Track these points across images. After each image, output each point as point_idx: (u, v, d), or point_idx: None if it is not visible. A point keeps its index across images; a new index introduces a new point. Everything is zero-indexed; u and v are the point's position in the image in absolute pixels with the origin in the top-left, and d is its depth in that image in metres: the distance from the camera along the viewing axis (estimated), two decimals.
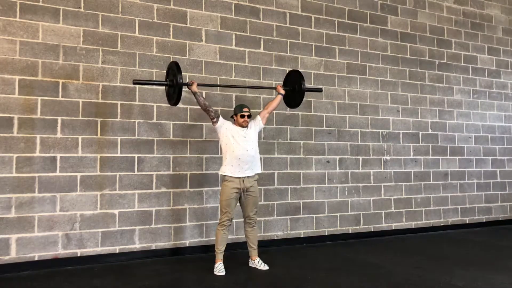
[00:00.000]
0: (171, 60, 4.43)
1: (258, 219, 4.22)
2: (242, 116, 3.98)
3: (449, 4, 6.63)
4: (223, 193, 3.91)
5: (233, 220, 4.16)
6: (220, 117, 3.98)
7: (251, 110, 4.08)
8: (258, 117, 4.15)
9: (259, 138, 4.87)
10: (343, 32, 5.74)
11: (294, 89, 4.37)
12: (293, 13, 5.44)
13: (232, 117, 4.14)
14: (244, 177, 3.89)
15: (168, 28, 4.73)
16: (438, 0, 6.54)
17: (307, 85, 4.65)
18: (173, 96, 3.93)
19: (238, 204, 4.04)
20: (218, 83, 4.91)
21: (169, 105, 4.61)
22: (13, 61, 4.07)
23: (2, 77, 4.01)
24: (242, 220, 4.18)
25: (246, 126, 4.01)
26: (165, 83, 4.03)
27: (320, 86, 5.25)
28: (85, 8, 4.37)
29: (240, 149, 3.87)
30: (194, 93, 3.92)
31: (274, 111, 5.19)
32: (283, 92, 4.29)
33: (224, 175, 3.92)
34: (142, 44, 4.60)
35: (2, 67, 4.02)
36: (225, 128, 3.95)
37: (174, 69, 3.87)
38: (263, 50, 5.22)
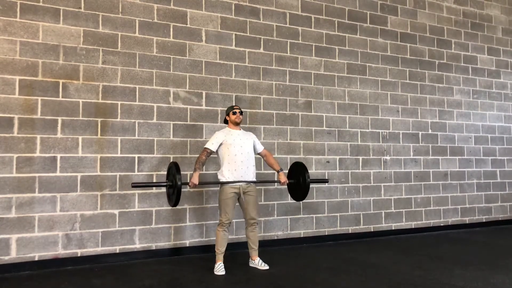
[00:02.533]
0: (173, 62, 4.43)
1: (259, 219, 4.20)
2: (234, 113, 4.02)
3: (449, 4, 6.64)
4: (221, 194, 3.93)
5: (233, 220, 4.16)
6: (212, 146, 3.94)
7: (251, 110, 4.08)
8: (262, 146, 4.16)
9: (259, 138, 4.87)
10: (343, 32, 5.75)
11: (299, 181, 4.26)
12: (293, 13, 5.45)
13: (225, 121, 4.15)
14: (241, 181, 3.91)
15: (168, 28, 4.74)
16: (438, 0, 6.55)
17: (312, 178, 4.52)
18: (173, 197, 3.83)
19: (237, 204, 4.04)
20: (218, 83, 4.92)
21: (169, 105, 4.61)
22: (13, 61, 4.07)
23: (3, 77, 4.02)
24: (242, 220, 4.18)
25: (240, 122, 4.05)
26: (165, 184, 3.95)
27: (326, 178, 5.13)
28: (85, 8, 4.38)
29: (236, 153, 3.90)
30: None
31: (274, 112, 5.21)
32: (285, 181, 4.15)
33: (223, 181, 3.92)
34: (142, 44, 4.60)
35: (3, 67, 4.02)
36: (221, 141, 3.94)
37: (173, 170, 3.80)
38: (263, 50, 5.22)
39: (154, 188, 4.52)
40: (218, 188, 4.12)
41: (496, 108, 6.88)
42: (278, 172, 4.14)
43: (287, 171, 4.49)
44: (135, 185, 3.90)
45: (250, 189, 3.97)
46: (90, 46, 4.37)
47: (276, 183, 5.06)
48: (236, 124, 4.04)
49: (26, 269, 3.94)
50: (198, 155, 4.73)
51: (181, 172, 4.64)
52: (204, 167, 4.78)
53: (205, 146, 3.98)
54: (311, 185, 5.32)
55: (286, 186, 4.42)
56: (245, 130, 4.19)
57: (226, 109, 4.68)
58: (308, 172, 4.21)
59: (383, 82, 5.97)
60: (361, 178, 5.68)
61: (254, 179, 4.03)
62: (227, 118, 4.10)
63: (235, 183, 3.89)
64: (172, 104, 4.69)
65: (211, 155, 4.11)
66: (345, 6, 5.79)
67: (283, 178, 4.13)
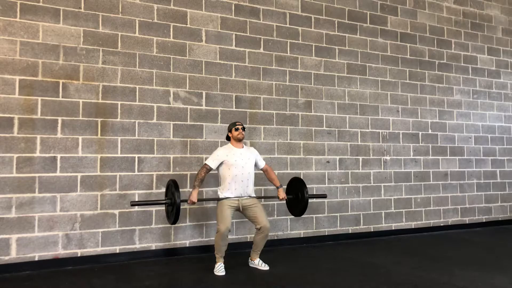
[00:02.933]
0: (173, 61, 4.43)
1: (269, 226, 4.08)
2: (236, 129, 3.97)
3: (449, 4, 6.64)
4: (219, 207, 3.90)
5: (233, 221, 4.16)
6: (212, 162, 3.92)
7: (251, 110, 4.08)
8: (263, 162, 4.15)
9: (259, 138, 4.88)
10: (343, 32, 5.75)
11: (297, 197, 4.24)
12: (293, 13, 5.45)
13: (227, 138, 4.12)
14: (242, 197, 3.91)
15: (168, 28, 4.74)
16: (438, 0, 6.55)
17: (310, 193, 4.55)
18: (172, 215, 3.81)
19: (238, 212, 4.02)
20: (218, 84, 4.92)
21: (169, 105, 4.61)
22: (13, 61, 4.07)
23: (3, 77, 4.02)
24: (242, 220, 4.18)
25: (241, 141, 4.01)
26: (164, 202, 3.93)
27: (325, 193, 5.01)
28: (85, 9, 4.38)
29: (236, 167, 3.88)
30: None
31: (274, 112, 5.21)
32: (284, 197, 4.16)
33: (222, 198, 3.91)
34: (142, 44, 4.60)
35: (3, 67, 4.02)
36: (223, 159, 3.91)
37: (172, 188, 3.78)
38: (263, 50, 5.22)
39: (154, 188, 4.52)
40: (217, 187, 4.10)
41: (496, 108, 6.88)
42: (277, 188, 4.15)
43: (285, 186, 4.47)
44: (134, 204, 3.88)
45: (252, 202, 3.94)
46: (90, 46, 4.37)
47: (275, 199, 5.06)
48: (239, 140, 3.99)
49: (26, 269, 3.94)
50: (197, 154, 4.76)
51: (180, 172, 4.66)
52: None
53: (205, 162, 3.95)
54: (311, 185, 5.34)
55: (285, 202, 4.39)
56: (247, 146, 4.13)
57: (228, 124, 4.64)
58: (306, 187, 4.17)
59: (383, 82, 5.97)
60: (361, 178, 5.68)
61: (253, 194, 4.02)
62: (230, 134, 4.04)
63: (233, 198, 3.89)
64: (172, 104, 4.69)
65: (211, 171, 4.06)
66: (345, 6, 5.79)
67: (282, 194, 4.13)
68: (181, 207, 4.03)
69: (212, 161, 3.92)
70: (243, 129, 4.01)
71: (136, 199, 4.44)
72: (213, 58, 4.93)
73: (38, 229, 4.05)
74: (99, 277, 3.80)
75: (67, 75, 4.26)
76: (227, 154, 3.92)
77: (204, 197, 4.74)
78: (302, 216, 5.25)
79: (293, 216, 5.20)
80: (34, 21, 4.16)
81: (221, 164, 3.94)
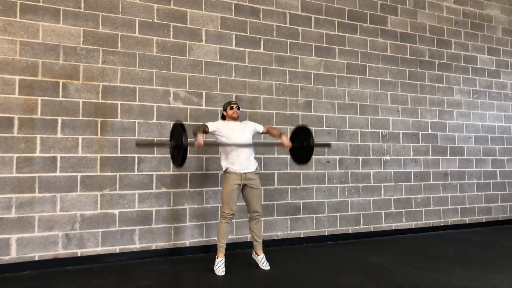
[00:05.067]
0: (173, 61, 4.43)
1: (261, 212, 4.17)
2: (231, 108, 4.05)
3: (449, 4, 6.64)
4: (225, 185, 3.94)
5: (233, 221, 4.16)
6: (209, 125, 3.96)
7: (251, 110, 4.08)
8: (262, 126, 4.21)
9: (259, 139, 4.87)
10: (343, 32, 5.75)
11: (302, 145, 4.14)
12: (293, 13, 5.45)
13: (222, 117, 4.15)
14: (245, 172, 3.93)
15: (168, 28, 4.74)
16: (438, 0, 6.55)
17: (316, 142, 4.46)
18: (178, 158, 3.74)
19: (240, 199, 4.04)
20: (218, 83, 4.92)
21: (169, 105, 4.61)
22: (13, 61, 4.07)
23: (2, 77, 4.02)
24: (242, 220, 4.18)
25: (237, 119, 4.06)
26: (171, 144, 3.83)
27: (329, 142, 5.30)
28: (85, 8, 4.38)
29: (231, 138, 3.94)
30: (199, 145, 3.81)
31: (274, 112, 5.21)
32: (289, 145, 4.05)
33: (226, 168, 3.95)
34: (142, 44, 4.60)
35: (2, 67, 4.02)
36: (220, 129, 3.99)
37: (179, 130, 3.71)
38: (263, 50, 5.22)
39: (154, 188, 4.52)
40: (219, 188, 4.11)
41: (496, 108, 6.88)
42: (280, 136, 4.05)
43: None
44: (139, 144, 3.88)
45: (254, 182, 3.97)
46: (90, 46, 4.37)
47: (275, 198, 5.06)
48: (234, 119, 4.06)
49: (26, 269, 3.94)
50: (197, 154, 4.75)
51: (180, 172, 4.66)
52: (204, 165, 4.78)
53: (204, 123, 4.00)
54: (311, 185, 5.34)
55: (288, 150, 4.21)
56: (244, 121, 4.20)
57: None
58: (312, 135, 4.09)
59: (383, 82, 5.97)
60: (361, 178, 5.68)
61: (255, 165, 4.05)
62: (225, 113, 4.11)
63: (237, 172, 3.90)
64: (172, 104, 4.69)
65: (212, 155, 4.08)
66: (345, 6, 5.79)
67: (287, 142, 3.99)
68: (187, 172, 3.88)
69: (210, 123, 3.99)
70: (238, 108, 4.09)
71: (136, 199, 4.44)
72: (213, 58, 4.93)
73: (38, 229, 4.05)
74: (99, 277, 3.80)
75: (67, 75, 4.26)
76: (224, 126, 4.00)
77: (203, 197, 4.74)
78: (302, 216, 5.26)
79: (293, 216, 5.21)
80: (34, 21, 4.16)
81: (217, 136, 3.99)
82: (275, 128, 4.31)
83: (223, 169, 4.00)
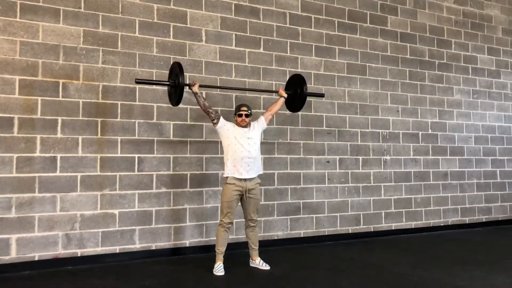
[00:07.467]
0: (173, 61, 4.44)
1: (258, 219, 4.22)
2: (240, 115, 3.97)
3: (449, 4, 6.64)
4: (224, 194, 3.89)
5: (234, 221, 4.16)
6: (221, 118, 3.97)
7: (252, 110, 4.06)
8: (262, 118, 4.15)
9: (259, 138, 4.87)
10: (343, 32, 5.75)
11: (296, 93, 4.36)
12: (293, 13, 5.45)
13: (234, 117, 4.14)
14: (246, 179, 3.89)
15: (168, 28, 4.73)
16: (438, 0, 6.55)
17: (310, 90, 4.66)
18: (175, 96, 3.94)
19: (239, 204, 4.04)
20: (218, 83, 4.91)
21: (169, 105, 4.61)
22: (13, 61, 4.07)
23: (2, 77, 4.02)
24: (242, 220, 4.18)
25: (245, 126, 4.00)
26: (167, 83, 4.04)
27: (322, 92, 5.30)
28: (85, 8, 4.38)
29: (242, 151, 3.86)
30: (195, 94, 3.91)
31: None
32: (285, 95, 4.30)
33: (227, 177, 3.90)
34: (142, 44, 4.60)
35: (2, 67, 4.02)
36: (227, 129, 3.94)
37: (176, 70, 3.88)
38: (263, 50, 5.22)
39: (154, 188, 4.52)
40: (219, 188, 4.11)
41: (496, 108, 6.88)
42: (278, 91, 4.33)
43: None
44: (139, 81, 3.92)
45: (254, 192, 3.95)
46: (90, 46, 4.37)
47: (274, 199, 5.06)
48: (243, 127, 3.99)
49: (26, 269, 3.94)
50: (198, 154, 4.75)
51: (180, 172, 4.66)
52: (204, 165, 4.78)
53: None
54: (311, 185, 5.34)
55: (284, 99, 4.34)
56: (253, 123, 4.10)
57: (227, 110, 4.69)
58: (306, 84, 4.31)
59: (383, 82, 5.97)
60: (361, 178, 5.68)
61: (260, 171, 4.05)
62: (235, 117, 4.05)
63: (239, 180, 3.86)
64: None
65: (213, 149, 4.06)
66: (345, 6, 5.79)
67: (283, 93, 4.29)
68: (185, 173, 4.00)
69: (222, 118, 3.97)
70: (247, 115, 3.98)
71: (136, 199, 4.44)
72: (213, 58, 4.93)
73: (38, 229, 4.04)
74: (99, 277, 3.80)
75: (67, 75, 4.26)
76: (234, 130, 3.94)
77: (203, 197, 4.74)
78: (302, 216, 5.26)
79: (293, 216, 5.21)
80: (34, 21, 4.16)
81: (224, 137, 3.95)
82: (272, 104, 4.31)
83: (225, 175, 3.92)
